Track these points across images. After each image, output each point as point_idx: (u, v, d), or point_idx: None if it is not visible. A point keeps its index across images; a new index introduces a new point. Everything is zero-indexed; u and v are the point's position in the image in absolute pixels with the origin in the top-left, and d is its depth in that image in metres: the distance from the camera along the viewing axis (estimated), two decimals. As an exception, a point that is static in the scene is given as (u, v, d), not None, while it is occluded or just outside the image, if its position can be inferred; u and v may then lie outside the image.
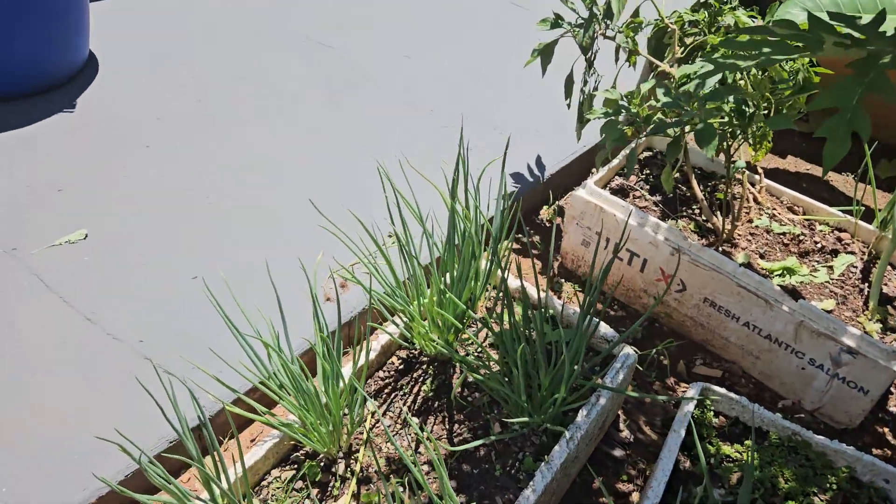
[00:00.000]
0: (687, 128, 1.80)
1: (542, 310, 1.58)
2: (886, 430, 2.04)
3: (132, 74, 3.02)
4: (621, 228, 2.21)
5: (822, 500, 1.59)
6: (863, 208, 2.23)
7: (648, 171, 2.47)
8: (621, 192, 2.39)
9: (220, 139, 2.71)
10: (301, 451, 1.59)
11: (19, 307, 1.99)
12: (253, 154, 2.65)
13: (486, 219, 1.76)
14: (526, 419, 1.54)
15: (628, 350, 1.77)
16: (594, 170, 2.78)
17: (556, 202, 2.73)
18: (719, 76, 1.83)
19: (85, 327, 1.94)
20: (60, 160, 2.53)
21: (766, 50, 1.20)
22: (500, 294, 1.64)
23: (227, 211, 2.39)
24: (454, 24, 3.69)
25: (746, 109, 1.84)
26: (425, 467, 1.56)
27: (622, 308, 2.35)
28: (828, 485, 1.61)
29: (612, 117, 1.87)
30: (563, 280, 2.42)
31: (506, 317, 1.79)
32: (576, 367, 1.54)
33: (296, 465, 1.57)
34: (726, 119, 1.81)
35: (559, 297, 2.34)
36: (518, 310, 1.74)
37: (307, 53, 3.29)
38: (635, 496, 1.81)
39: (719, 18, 2.20)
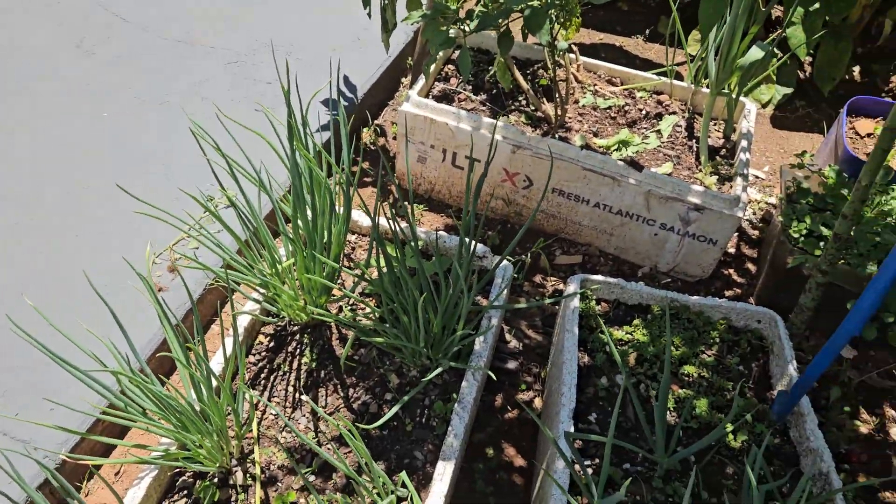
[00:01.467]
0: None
1: (414, 243, 1.44)
2: (731, 271, 2.18)
3: None
4: (456, 136, 2.09)
5: (709, 356, 1.65)
6: (674, 68, 2.28)
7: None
8: (445, 98, 2.26)
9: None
10: (187, 474, 1.37)
11: None
12: (11, 136, 2.18)
13: (328, 157, 1.56)
14: (426, 363, 1.42)
15: (504, 263, 1.69)
16: (404, 80, 2.62)
17: (375, 122, 2.55)
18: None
19: None
20: None
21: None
22: (371, 240, 1.47)
23: (10, 218, 1.95)
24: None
25: (563, -12, 1.75)
26: (331, 446, 1.41)
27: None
28: (710, 340, 1.68)
29: (433, 19, 1.70)
30: (405, 203, 2.28)
31: (377, 261, 1.63)
32: (464, 300, 1.43)
33: (185, 490, 1.34)
34: (548, 1, 1.71)
35: (407, 222, 2.21)
36: (389, 250, 1.58)
37: (42, 4, 2.73)
38: (538, 402, 1.79)
39: None
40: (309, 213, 1.48)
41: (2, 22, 2.61)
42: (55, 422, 1.49)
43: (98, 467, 1.55)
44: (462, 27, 1.73)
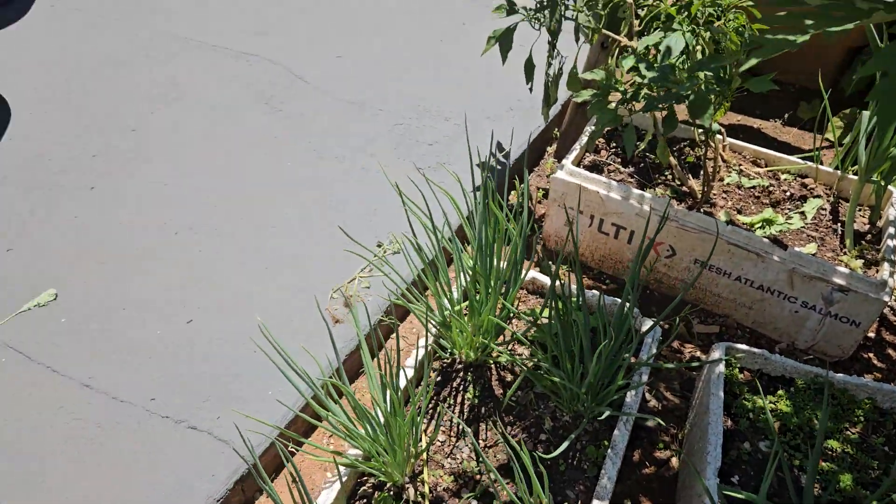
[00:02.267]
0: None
1: (581, 300, 1.59)
2: (871, 355, 2.20)
3: (49, 111, 2.78)
4: (605, 204, 2.25)
5: (853, 433, 1.70)
6: (818, 152, 2.37)
7: (615, 144, 2.52)
8: (595, 169, 2.43)
9: (166, 168, 2.55)
10: (368, 485, 1.55)
11: (9, 388, 1.81)
12: (204, 179, 2.51)
13: (499, 214, 1.75)
14: (579, 409, 1.56)
15: (653, 325, 1.82)
16: (549, 148, 2.82)
17: (522, 185, 2.75)
18: (682, 45, 1.89)
19: (86, 396, 1.80)
20: (1, 215, 2.31)
21: (809, 22, 1.23)
22: (548, 294, 1.64)
23: (196, 244, 2.26)
24: (380, 20, 3.61)
25: (724, 75, 1.90)
26: (491, 476, 1.56)
27: (612, 280, 2.40)
28: (854, 418, 1.73)
29: (601, 98, 1.89)
30: (550, 262, 2.45)
31: (544, 311, 1.79)
32: (626, 355, 1.56)
33: (364, 499, 1.52)
34: (712, 87, 1.87)
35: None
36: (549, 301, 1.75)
37: (231, 65, 3.13)
38: (674, 461, 1.87)
39: (670, -11, 2.25)
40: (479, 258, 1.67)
41: (202, 82, 3.01)
42: (248, 426, 1.72)
43: (278, 469, 1.75)
44: (628, 107, 1.91)
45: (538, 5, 2.22)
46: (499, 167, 2.67)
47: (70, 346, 1.91)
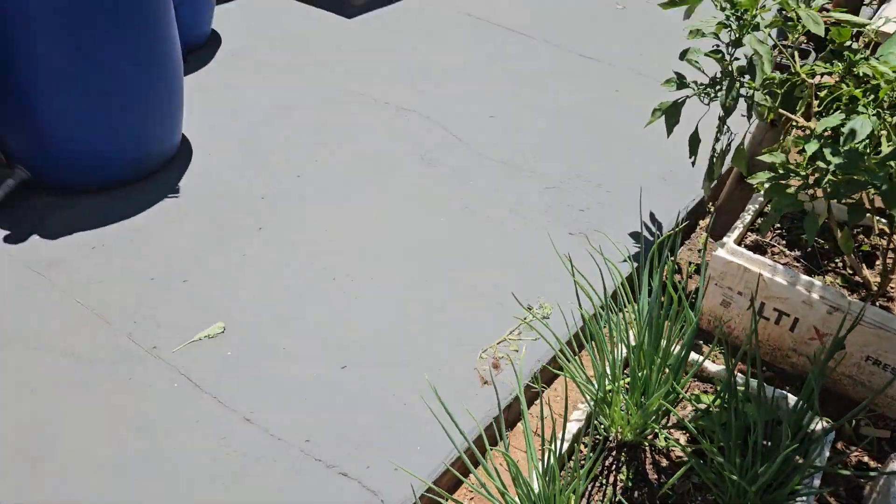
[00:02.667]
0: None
1: (760, 393, 1.52)
2: None
3: (225, 153, 3.00)
4: (768, 288, 2.15)
5: None
6: None
7: (780, 225, 2.42)
8: (757, 249, 2.34)
9: (327, 214, 2.68)
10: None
11: (174, 412, 1.93)
12: (362, 227, 2.62)
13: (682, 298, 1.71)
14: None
15: (826, 426, 1.70)
16: (702, 222, 2.74)
17: (673, 259, 2.68)
18: (869, 129, 1.79)
19: (247, 430, 1.88)
20: (177, 248, 2.49)
21: None
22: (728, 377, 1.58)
23: (355, 290, 2.34)
24: (532, 82, 3.69)
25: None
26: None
27: (768, 367, 2.28)
28: None
29: (780, 182, 1.83)
30: (701, 342, 2.36)
31: (706, 397, 1.72)
32: (798, 457, 1.47)
33: (512, 573, 1.49)
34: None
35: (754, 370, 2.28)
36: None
37: (391, 119, 3.27)
38: (840, 576, 1.73)
39: (854, 69, 2.17)
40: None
41: (364, 133, 3.17)
42: (397, 479, 1.74)
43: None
44: (809, 192, 1.83)
45: (712, 81, 2.19)
46: (651, 238, 2.62)
47: (235, 380, 2.02)
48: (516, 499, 1.45)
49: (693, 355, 1.93)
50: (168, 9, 2.64)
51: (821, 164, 1.81)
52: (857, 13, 3.97)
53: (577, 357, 1.91)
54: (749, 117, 2.24)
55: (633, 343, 1.81)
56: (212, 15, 3.80)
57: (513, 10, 4.40)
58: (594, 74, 3.75)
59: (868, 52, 2.27)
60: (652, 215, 2.73)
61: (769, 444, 1.57)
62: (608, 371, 1.68)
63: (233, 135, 3.12)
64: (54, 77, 2.42)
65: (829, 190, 1.76)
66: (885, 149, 1.76)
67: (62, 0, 2.29)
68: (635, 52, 3.98)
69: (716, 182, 2.93)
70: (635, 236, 2.63)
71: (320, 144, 3.08)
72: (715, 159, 2.32)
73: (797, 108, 2.26)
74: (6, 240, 2.50)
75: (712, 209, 2.85)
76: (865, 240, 2.35)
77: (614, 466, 1.69)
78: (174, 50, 2.72)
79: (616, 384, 1.65)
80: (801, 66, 2.14)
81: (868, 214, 2.32)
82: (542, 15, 4.35)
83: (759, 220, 2.44)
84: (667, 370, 1.69)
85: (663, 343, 1.69)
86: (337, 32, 4.05)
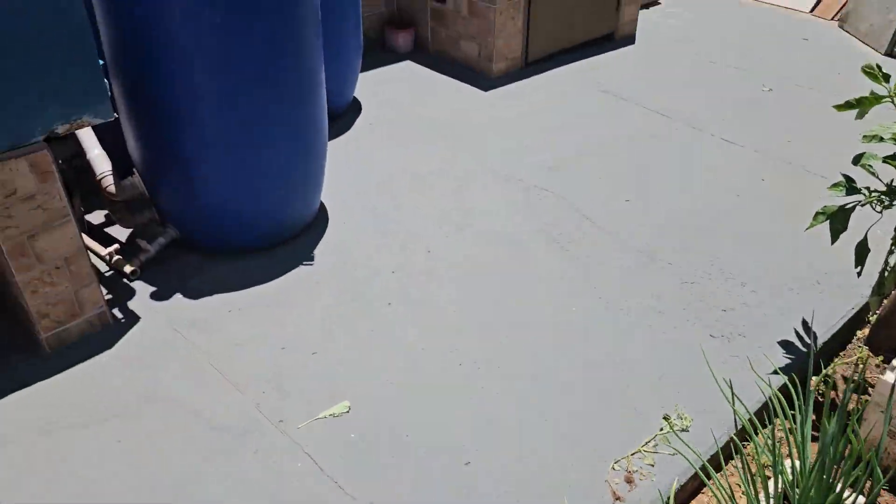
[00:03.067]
0: None
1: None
2: None
3: (359, 222, 3.05)
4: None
5: None
6: None
7: (959, 350, 2.17)
8: (933, 375, 2.09)
9: (454, 293, 2.65)
10: None
11: (295, 492, 1.91)
12: (489, 310, 2.56)
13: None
14: None
15: None
16: (859, 332, 2.52)
17: (825, 372, 2.45)
18: None
19: (367, 522, 1.83)
20: (309, 319, 2.52)
21: None
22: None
23: (482, 379, 2.27)
24: (671, 166, 3.57)
25: None
26: None
27: (942, 513, 2.01)
28: None
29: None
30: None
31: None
32: None
33: None
34: None
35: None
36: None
37: (522, 197, 3.24)
38: None
39: None
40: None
41: (493, 210, 3.14)
42: None
43: None
44: None
45: (890, 190, 2.01)
46: (803, 348, 2.41)
47: (356, 465, 1.98)
48: None
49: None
50: (322, 82, 2.74)
51: None
52: None
53: (721, 479, 1.75)
54: (930, 230, 2.04)
55: (790, 477, 1.63)
56: (355, 83, 3.94)
57: (652, 89, 4.31)
58: (737, 161, 3.58)
59: None
60: (804, 322, 2.52)
61: None
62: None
63: (367, 204, 3.17)
64: (213, 146, 2.55)
65: None
66: None
67: (230, 77, 2.42)
68: (782, 138, 3.79)
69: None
70: (785, 345, 2.43)
71: (452, 219, 3.07)
72: (888, 273, 2.12)
73: None
74: (153, 296, 2.62)
75: (871, 319, 2.60)
76: None
77: None
78: (323, 120, 2.82)
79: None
80: None
81: None
82: (683, 95, 4.24)
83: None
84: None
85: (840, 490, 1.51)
86: (473, 105, 4.10)
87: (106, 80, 2.20)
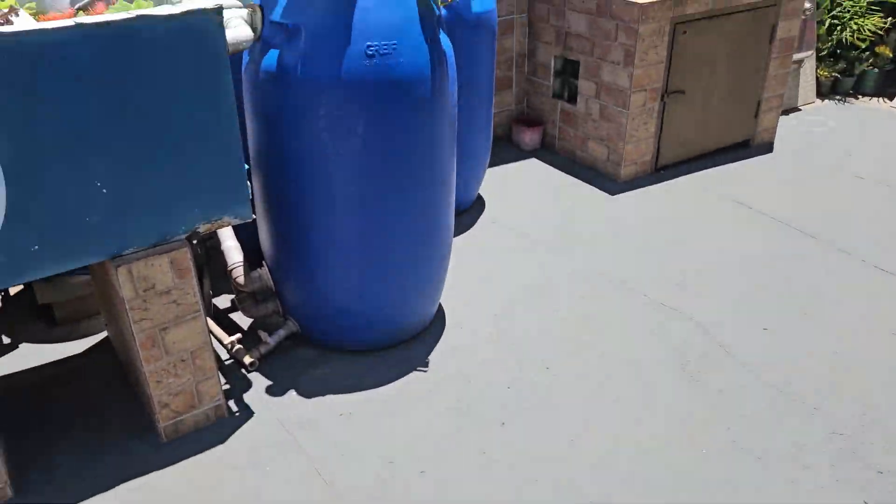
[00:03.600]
0: None
1: None
2: None
3: (476, 329, 2.98)
4: None
5: None
6: None
7: None
8: None
9: (573, 418, 2.50)
10: None
11: None
12: (613, 447, 2.39)
13: None
14: None
15: None
16: None
17: None
18: None
19: None
20: (419, 432, 2.44)
21: None
22: None
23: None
24: (813, 293, 3.29)
25: None
26: None
27: None
28: None
29: None
30: None
31: None
32: None
33: None
34: None
35: None
36: None
37: (646, 315, 3.06)
38: None
39: None
40: None
41: (615, 328, 2.99)
42: None
43: None
44: None
45: None
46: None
47: None
48: None
49: None
50: (453, 187, 2.73)
51: None
52: None
53: None
54: None
55: None
56: (482, 181, 3.95)
57: (792, 203, 4.06)
58: (894, 295, 3.26)
59: None
60: (981, 499, 2.18)
61: None
62: None
63: (485, 309, 3.10)
64: (341, 248, 2.57)
65: None
66: None
67: (365, 183, 2.45)
68: (945, 269, 3.44)
69: None
70: (958, 526, 2.10)
71: (572, 335, 2.94)
72: None
73: None
74: (268, 391, 2.62)
75: None
76: None
77: None
78: (450, 225, 2.80)
79: None
80: None
81: None
82: (827, 212, 3.96)
83: None
84: None
85: None
86: (599, 209, 4.00)
87: (248, 182, 2.26)
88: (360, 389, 2.63)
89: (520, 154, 4.71)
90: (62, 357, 2.81)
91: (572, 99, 4.52)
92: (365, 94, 2.32)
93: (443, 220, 2.73)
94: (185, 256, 2.18)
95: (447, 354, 2.83)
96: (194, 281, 2.23)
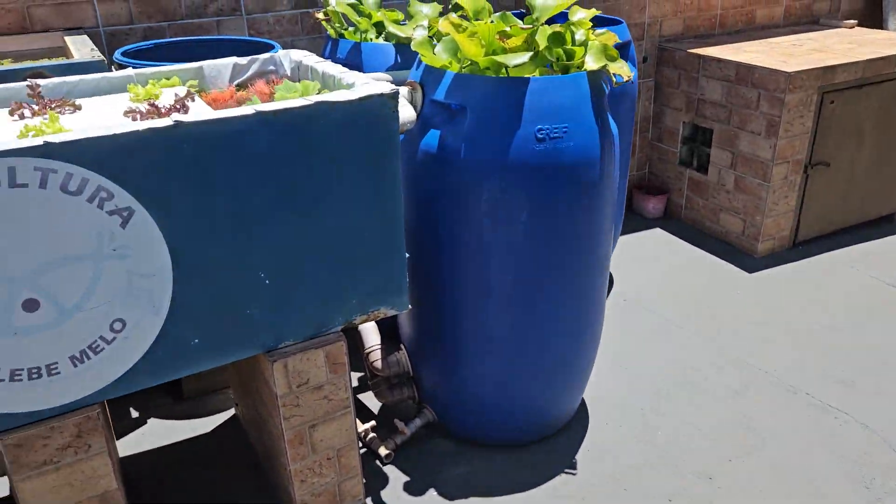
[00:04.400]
0: None
1: None
2: None
3: (622, 426, 2.74)
4: None
5: None
6: None
7: None
8: None
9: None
10: None
11: None
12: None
13: None
14: None
15: None
16: None
17: None
18: None
19: None
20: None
21: None
22: None
23: None
24: None
25: None
26: None
27: None
28: None
29: None
30: None
31: None
32: None
33: None
34: None
35: None
36: None
37: (811, 417, 2.76)
38: None
39: None
40: None
41: (779, 432, 2.71)
42: None
43: None
44: None
45: None
46: None
47: None
48: None
49: None
50: (608, 272, 2.53)
51: None
52: None
53: None
54: None
55: None
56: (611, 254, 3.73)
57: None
58: None
59: None
60: None
61: None
62: None
63: (630, 404, 2.85)
64: (489, 338, 2.39)
65: None
66: None
67: (523, 273, 2.27)
68: None
69: None
70: None
71: (733, 439, 2.66)
72: None
73: None
74: (406, 488, 2.44)
75: None
76: None
77: None
78: (602, 311, 2.59)
79: None
80: None
81: None
82: None
83: None
84: None
85: None
86: (736, 288, 3.71)
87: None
88: (506, 492, 2.42)
89: (642, 222, 4.48)
90: (189, 437, 2.70)
91: (702, 168, 4.28)
92: (532, 180, 2.16)
93: (597, 309, 2.52)
94: (341, 350, 2.04)
95: (595, 456, 2.59)
96: (348, 377, 2.08)
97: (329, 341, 2.02)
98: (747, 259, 4.00)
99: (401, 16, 2.95)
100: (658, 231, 4.37)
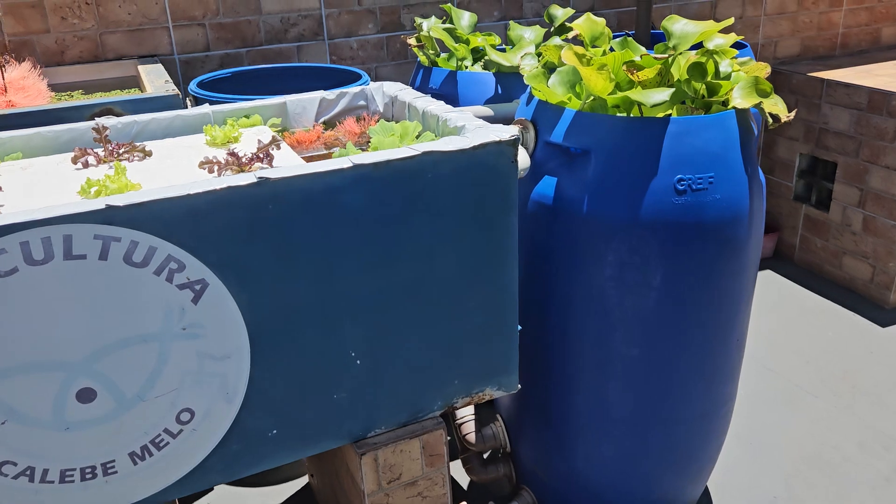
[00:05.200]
0: None
1: None
2: None
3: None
4: None
5: None
6: None
7: None
8: None
9: None
10: None
11: None
12: None
13: None
14: None
15: None
16: None
17: None
18: None
19: None
20: None
21: None
22: None
23: None
24: None
25: None
26: None
27: None
28: None
29: None
30: None
31: None
32: None
33: None
34: None
35: None
36: None
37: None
38: None
39: None
40: None
41: None
42: None
43: None
44: None
45: None
46: None
47: None
48: None
49: None
50: (744, 348, 2.15)
51: None
52: None
53: None
54: None
55: None
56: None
57: None
58: None
59: None
60: None
61: None
62: None
63: (760, 489, 2.45)
64: (606, 418, 2.04)
65: None
66: None
67: (653, 348, 1.92)
68: None
69: None
70: None
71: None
72: None
73: None
74: (504, 589, 2.10)
75: None
76: None
77: None
78: (736, 389, 2.20)
79: None
80: None
81: None
82: None
83: None
84: None
85: None
86: (871, 347, 3.24)
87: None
88: None
89: (750, 264, 4.03)
90: (260, 506, 2.44)
91: (822, 205, 3.82)
92: (670, 239, 1.81)
93: (732, 391, 2.15)
94: (440, 439, 1.72)
95: None
96: (447, 469, 1.76)
97: (426, 429, 1.71)
98: (877, 311, 3.52)
99: (498, 40, 2.65)
100: (769, 273, 3.93)
